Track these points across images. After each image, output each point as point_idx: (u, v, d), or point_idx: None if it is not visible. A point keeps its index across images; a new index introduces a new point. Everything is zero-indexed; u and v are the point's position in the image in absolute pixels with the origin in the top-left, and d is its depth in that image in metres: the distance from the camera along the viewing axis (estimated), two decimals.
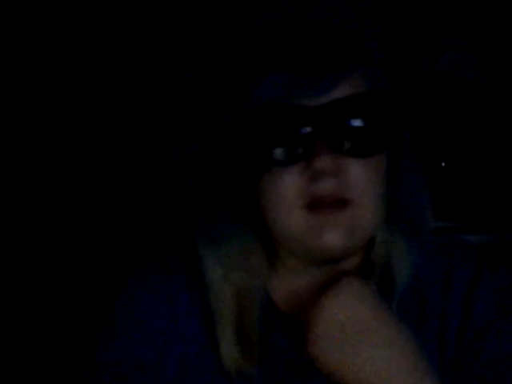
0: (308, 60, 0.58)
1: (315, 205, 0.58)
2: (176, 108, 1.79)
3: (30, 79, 1.80)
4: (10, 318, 1.73)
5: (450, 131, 1.76)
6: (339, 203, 0.58)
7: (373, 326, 0.55)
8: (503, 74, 1.71)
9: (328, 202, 0.58)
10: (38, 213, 1.80)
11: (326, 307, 0.56)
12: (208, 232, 0.65)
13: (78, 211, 1.81)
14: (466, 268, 0.64)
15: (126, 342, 0.66)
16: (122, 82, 1.81)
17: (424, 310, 0.63)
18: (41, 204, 1.80)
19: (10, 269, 1.77)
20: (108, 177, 1.82)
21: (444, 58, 1.72)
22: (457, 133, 1.75)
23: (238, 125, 0.61)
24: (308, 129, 0.58)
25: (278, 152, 0.59)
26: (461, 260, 0.64)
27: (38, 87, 1.80)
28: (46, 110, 1.81)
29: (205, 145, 0.66)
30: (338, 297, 0.56)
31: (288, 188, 0.59)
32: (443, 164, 1.74)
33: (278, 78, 0.58)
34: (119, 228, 1.79)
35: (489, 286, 0.62)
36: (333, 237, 0.58)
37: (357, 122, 0.59)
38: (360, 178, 0.59)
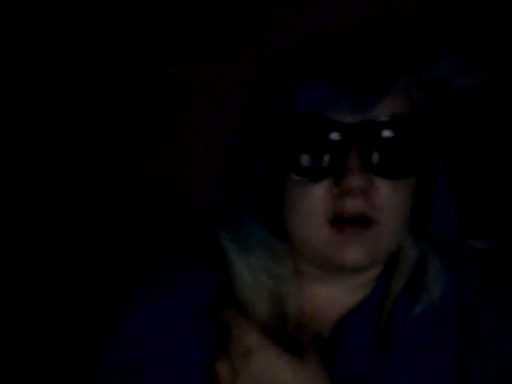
0: (351, 73, 0.57)
1: (339, 221, 0.58)
2: (209, 110, 1.78)
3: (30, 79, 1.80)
4: (11, 319, 1.73)
5: (445, 139, 1.76)
6: (363, 222, 0.58)
7: None
8: (502, 82, 1.72)
9: (352, 219, 0.58)
10: (41, 215, 1.80)
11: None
12: (235, 235, 0.64)
13: (83, 212, 1.81)
14: (477, 281, 0.64)
15: (126, 343, 0.66)
16: (144, 83, 1.81)
17: (440, 318, 0.64)
18: (43, 206, 1.80)
19: (12, 269, 1.77)
20: (118, 177, 1.82)
21: (440, 65, 1.73)
22: (452, 140, 1.76)
23: (273, 133, 0.60)
24: (342, 145, 0.57)
25: (309, 164, 0.59)
26: (472, 272, 0.65)
27: (37, 87, 1.80)
28: (46, 110, 1.80)
29: (238, 149, 0.64)
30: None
31: (315, 202, 0.59)
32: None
33: (318, 87, 0.58)
34: (124, 228, 1.79)
35: (495, 298, 0.63)
36: (354, 253, 0.58)
37: (392, 144, 0.58)
38: (387, 199, 0.59)
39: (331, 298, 0.65)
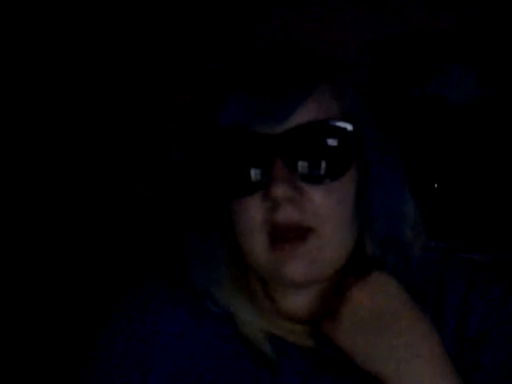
0: (266, 85, 0.58)
1: (276, 236, 0.58)
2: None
3: (30, 79, 1.81)
4: (12, 322, 1.74)
5: (442, 153, 1.77)
6: (298, 235, 0.58)
7: (397, 318, 0.56)
8: (495, 97, 1.73)
9: (287, 234, 0.58)
10: (42, 221, 1.81)
11: (353, 297, 0.57)
12: (197, 254, 0.65)
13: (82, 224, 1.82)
14: (459, 282, 0.64)
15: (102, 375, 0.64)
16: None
17: None
18: (43, 211, 1.81)
19: (14, 272, 1.78)
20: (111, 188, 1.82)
21: (434, 81, 1.75)
22: (449, 155, 1.77)
23: (203, 149, 0.61)
24: (266, 156, 0.57)
25: (239, 179, 0.59)
26: (454, 274, 0.65)
27: (37, 87, 1.82)
28: (47, 110, 1.82)
29: (185, 165, 0.65)
30: (364, 288, 0.58)
31: (250, 216, 0.59)
32: (436, 185, 1.75)
33: (237, 102, 0.59)
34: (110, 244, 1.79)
35: (482, 299, 0.62)
36: (293, 270, 0.58)
37: (314, 150, 0.58)
38: (321, 205, 0.58)
39: (300, 308, 0.65)
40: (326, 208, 0.58)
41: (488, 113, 1.74)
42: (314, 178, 0.58)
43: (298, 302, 0.65)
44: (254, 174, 0.58)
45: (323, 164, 0.58)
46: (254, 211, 0.59)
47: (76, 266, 1.80)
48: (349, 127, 0.59)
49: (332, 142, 0.59)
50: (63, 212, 1.82)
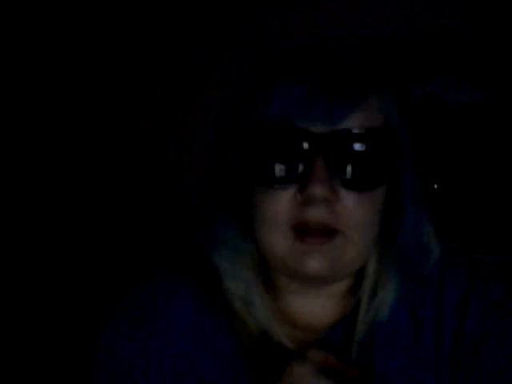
0: (325, 84, 0.58)
1: (301, 230, 0.58)
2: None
3: (30, 79, 1.82)
4: (10, 320, 1.74)
5: (442, 153, 1.78)
6: (325, 233, 0.58)
7: None
8: (494, 97, 1.74)
9: (314, 230, 0.58)
10: (41, 220, 1.82)
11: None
12: (209, 237, 0.65)
13: (81, 223, 1.83)
14: (459, 282, 0.64)
15: (103, 375, 0.65)
16: (126, 86, 1.84)
17: (419, 327, 0.63)
18: (42, 210, 1.82)
19: (14, 272, 1.78)
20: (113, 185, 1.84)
21: (433, 82, 1.75)
22: (449, 155, 1.78)
23: (245, 136, 0.61)
24: (309, 153, 0.57)
25: (276, 170, 0.59)
26: (453, 274, 0.65)
27: (38, 87, 1.82)
28: (46, 110, 1.82)
29: (215, 151, 0.65)
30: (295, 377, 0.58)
31: (279, 208, 0.59)
32: (436, 186, 1.76)
33: (292, 94, 0.58)
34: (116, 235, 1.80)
35: (481, 299, 0.63)
36: (314, 265, 0.58)
37: (359, 156, 0.58)
38: (352, 211, 0.58)
39: (305, 310, 0.65)
40: (357, 215, 0.59)
41: (487, 113, 1.75)
42: (351, 184, 0.58)
43: (306, 306, 0.65)
44: (293, 168, 0.58)
45: (363, 172, 0.59)
46: (283, 203, 0.59)
47: (77, 266, 1.80)
48: (392, 140, 0.60)
49: (376, 151, 0.59)
50: (65, 208, 1.83)
